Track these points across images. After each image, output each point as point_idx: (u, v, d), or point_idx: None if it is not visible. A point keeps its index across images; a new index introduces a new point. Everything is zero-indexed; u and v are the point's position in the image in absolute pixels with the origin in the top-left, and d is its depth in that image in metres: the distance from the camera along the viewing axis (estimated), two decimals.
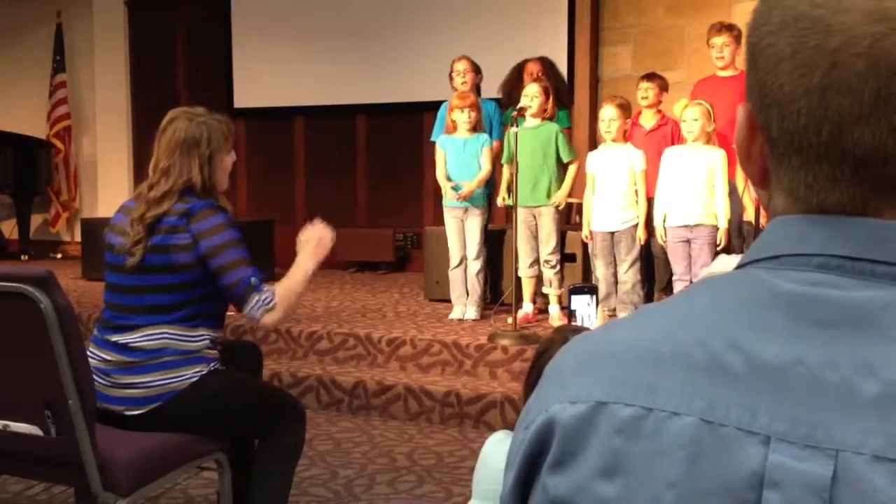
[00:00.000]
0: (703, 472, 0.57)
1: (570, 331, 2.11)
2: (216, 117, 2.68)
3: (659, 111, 5.39)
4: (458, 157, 5.33)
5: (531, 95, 5.10)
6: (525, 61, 5.94)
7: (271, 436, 2.64)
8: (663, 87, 5.38)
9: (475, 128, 5.34)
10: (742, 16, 5.97)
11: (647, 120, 5.36)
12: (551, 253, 5.15)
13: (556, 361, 0.68)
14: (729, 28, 5.17)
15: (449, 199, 5.35)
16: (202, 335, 2.57)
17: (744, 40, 0.66)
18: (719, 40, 5.15)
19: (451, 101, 5.39)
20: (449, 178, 5.35)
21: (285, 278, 2.70)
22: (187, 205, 2.55)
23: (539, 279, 5.29)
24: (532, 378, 1.86)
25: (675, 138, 5.12)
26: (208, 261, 2.51)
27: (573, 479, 0.62)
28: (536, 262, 5.21)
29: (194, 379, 2.53)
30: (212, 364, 2.58)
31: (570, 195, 5.31)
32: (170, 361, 2.52)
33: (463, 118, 5.27)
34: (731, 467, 0.57)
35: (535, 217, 5.14)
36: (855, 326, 0.58)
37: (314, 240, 2.80)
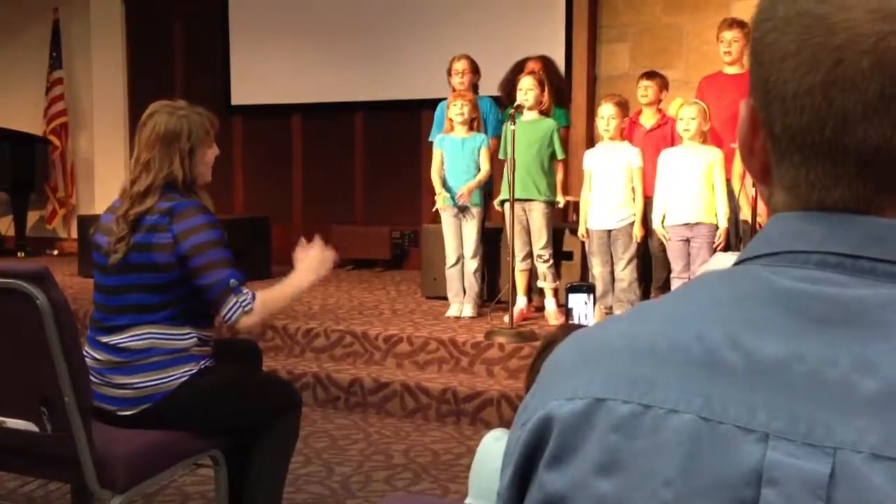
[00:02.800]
0: (700, 469, 0.57)
1: (575, 329, 2.10)
2: (197, 111, 2.65)
3: (659, 110, 5.38)
4: (456, 157, 5.32)
5: (525, 89, 5.10)
6: (525, 59, 5.93)
7: (266, 428, 2.63)
8: (663, 85, 5.37)
9: (472, 127, 5.33)
10: (743, 13, 5.96)
11: (648, 119, 5.35)
12: (543, 247, 5.15)
13: (553, 357, 0.68)
14: (740, 24, 5.13)
15: (440, 202, 5.35)
16: (189, 333, 2.55)
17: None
18: (729, 35, 5.12)
19: (448, 100, 5.39)
20: (444, 181, 5.35)
21: (277, 286, 2.68)
22: (170, 203, 2.52)
23: (533, 274, 5.29)
24: (534, 375, 1.85)
25: (675, 137, 5.12)
26: (188, 261, 2.49)
27: (570, 475, 0.62)
28: (529, 255, 5.21)
29: (183, 379, 2.52)
30: (202, 362, 2.57)
31: (567, 193, 5.32)
32: (158, 362, 2.50)
33: (456, 111, 5.25)
34: (729, 465, 0.57)
35: (525, 211, 5.14)
36: (854, 324, 0.57)
37: (317, 257, 2.74)
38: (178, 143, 2.57)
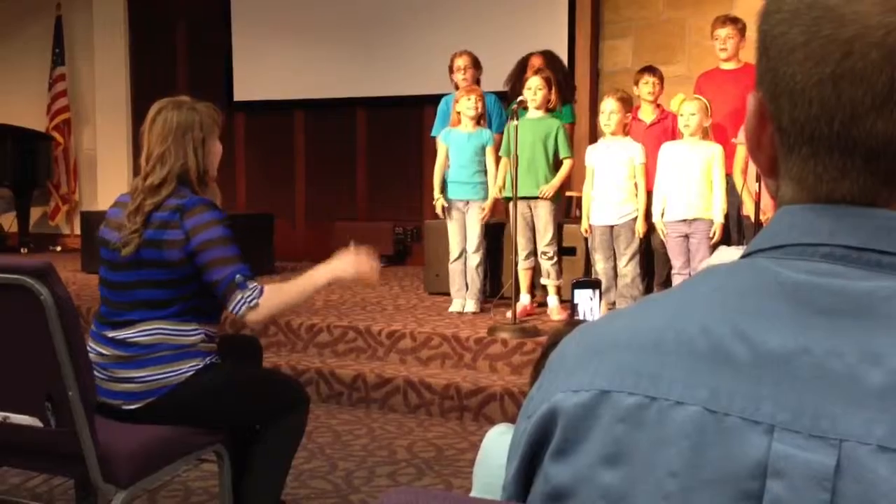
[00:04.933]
0: (706, 461, 0.57)
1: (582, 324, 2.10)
2: (203, 104, 2.69)
3: (658, 105, 5.39)
4: (461, 152, 5.33)
5: (534, 88, 5.10)
6: (529, 55, 5.93)
7: (271, 424, 2.64)
8: (662, 79, 5.39)
9: (479, 122, 5.34)
10: (744, 8, 5.97)
11: (647, 114, 5.37)
12: (548, 244, 5.15)
13: (559, 351, 0.68)
14: (734, 21, 5.19)
15: (438, 207, 5.41)
16: (196, 329, 2.56)
17: (755, 28, 0.65)
18: (723, 32, 5.17)
19: (457, 95, 5.40)
20: (447, 176, 5.37)
21: (291, 281, 2.63)
22: (181, 199, 2.53)
23: (536, 271, 5.29)
24: (539, 371, 1.85)
25: (675, 132, 5.12)
26: (195, 257, 2.50)
27: (575, 467, 0.62)
28: (533, 253, 5.21)
29: (189, 373, 2.53)
30: (208, 358, 2.58)
31: (569, 189, 5.31)
32: (165, 356, 2.51)
33: (468, 105, 5.25)
34: (735, 457, 0.57)
35: (531, 209, 5.14)
36: (860, 316, 0.57)
37: (350, 258, 2.65)
38: (191, 133, 2.59)
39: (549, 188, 5.12)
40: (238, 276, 2.49)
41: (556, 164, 5.16)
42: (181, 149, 2.58)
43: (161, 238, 2.50)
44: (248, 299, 2.49)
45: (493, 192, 5.29)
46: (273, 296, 2.54)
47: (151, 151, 2.60)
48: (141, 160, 2.64)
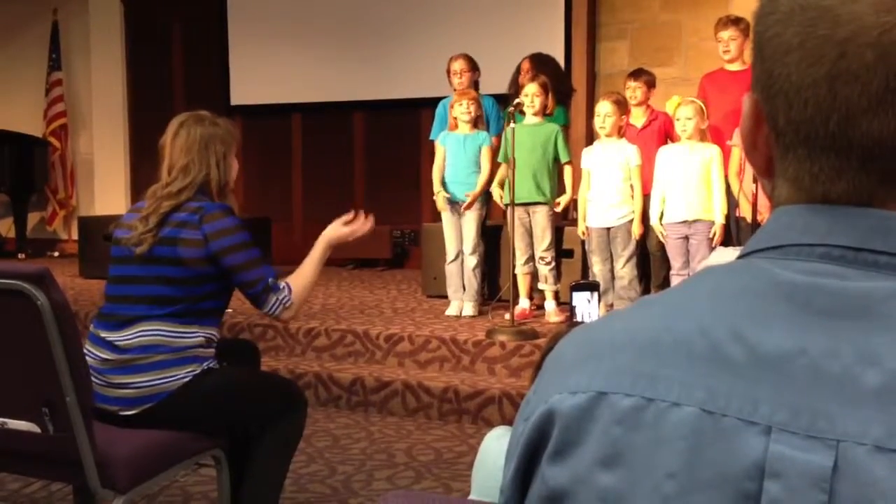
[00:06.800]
0: (703, 462, 0.57)
1: None
2: (222, 119, 2.78)
3: (648, 106, 5.39)
4: (458, 155, 5.33)
5: (531, 95, 5.11)
6: (522, 60, 5.94)
7: (269, 428, 2.65)
8: (650, 83, 5.38)
9: (476, 124, 5.34)
10: (742, 9, 5.96)
11: (637, 118, 5.36)
12: (546, 249, 5.15)
13: (556, 353, 0.68)
14: (736, 22, 5.16)
15: (439, 203, 5.40)
16: (195, 333, 2.58)
17: (750, 30, 0.65)
18: (726, 34, 5.15)
19: (452, 99, 5.41)
20: (444, 181, 5.38)
21: (301, 270, 2.78)
22: (200, 203, 2.61)
23: (535, 275, 5.29)
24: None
25: (668, 131, 5.12)
26: (221, 260, 2.56)
27: (573, 469, 0.62)
28: (532, 258, 5.21)
29: (186, 379, 2.54)
30: (205, 363, 2.59)
31: (565, 191, 5.32)
32: (162, 361, 2.52)
33: (462, 110, 5.27)
34: (732, 458, 0.56)
35: (529, 214, 5.15)
36: (857, 316, 0.57)
37: (340, 225, 2.89)
38: (213, 147, 2.68)
39: (567, 201, 5.19)
40: (271, 279, 2.64)
41: (554, 169, 5.17)
42: (204, 160, 2.66)
43: (177, 236, 2.56)
44: (284, 300, 2.65)
45: (481, 185, 5.27)
46: (298, 289, 2.71)
47: (174, 163, 2.67)
48: (162, 171, 2.71)
